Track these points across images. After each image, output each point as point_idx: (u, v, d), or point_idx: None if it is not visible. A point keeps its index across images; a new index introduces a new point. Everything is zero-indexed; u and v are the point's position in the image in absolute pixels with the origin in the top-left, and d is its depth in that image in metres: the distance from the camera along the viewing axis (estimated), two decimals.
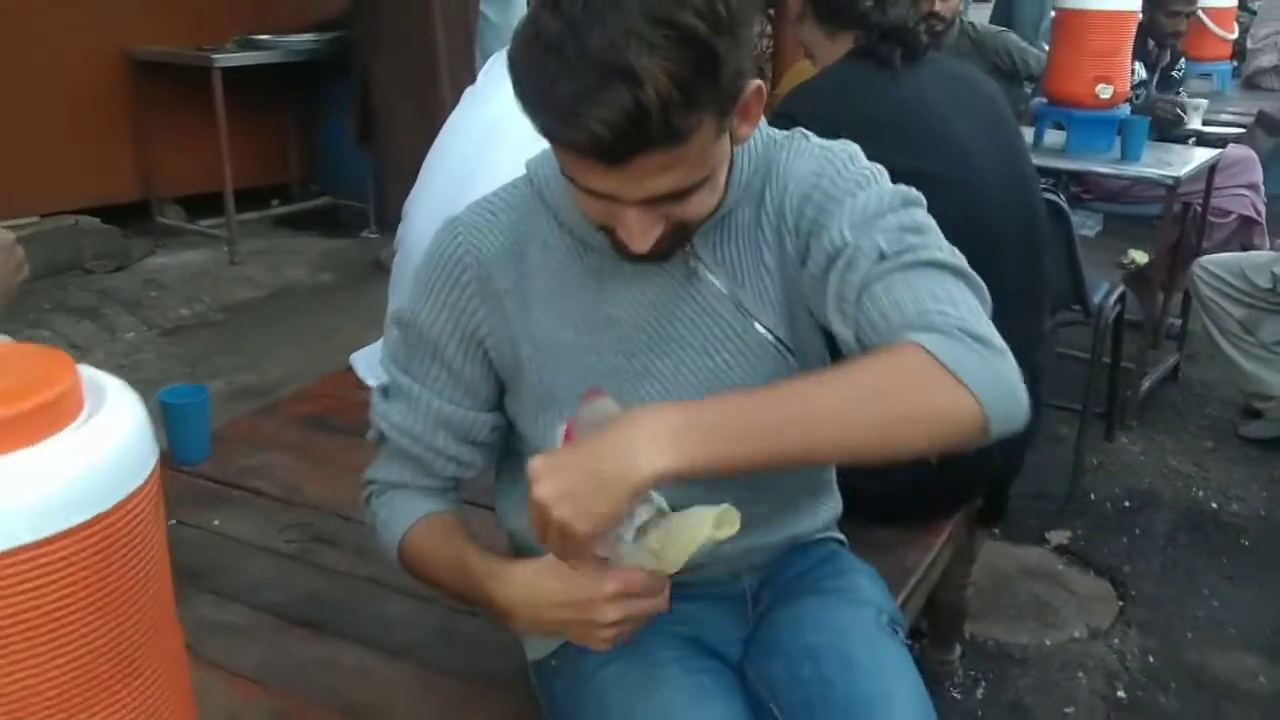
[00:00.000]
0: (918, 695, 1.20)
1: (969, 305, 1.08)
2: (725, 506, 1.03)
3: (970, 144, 1.94)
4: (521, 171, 1.31)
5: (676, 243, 1.17)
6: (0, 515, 0.84)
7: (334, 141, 5.40)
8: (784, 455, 1.02)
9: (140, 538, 0.96)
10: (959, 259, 1.13)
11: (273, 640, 1.61)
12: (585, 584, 1.08)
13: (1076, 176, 4.20)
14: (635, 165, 1.02)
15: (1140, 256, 4.30)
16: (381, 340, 2.53)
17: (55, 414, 0.91)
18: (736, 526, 1.02)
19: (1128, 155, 3.55)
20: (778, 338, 1.25)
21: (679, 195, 1.08)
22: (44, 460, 0.88)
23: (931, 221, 1.18)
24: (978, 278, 1.13)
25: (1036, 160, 3.59)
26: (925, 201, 1.20)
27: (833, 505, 1.47)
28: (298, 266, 4.98)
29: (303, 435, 2.25)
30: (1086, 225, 5.15)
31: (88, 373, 1.00)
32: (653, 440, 0.97)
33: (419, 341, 1.31)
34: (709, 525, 1.02)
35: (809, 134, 1.28)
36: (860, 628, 1.27)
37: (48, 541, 0.87)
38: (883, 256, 1.11)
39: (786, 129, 1.28)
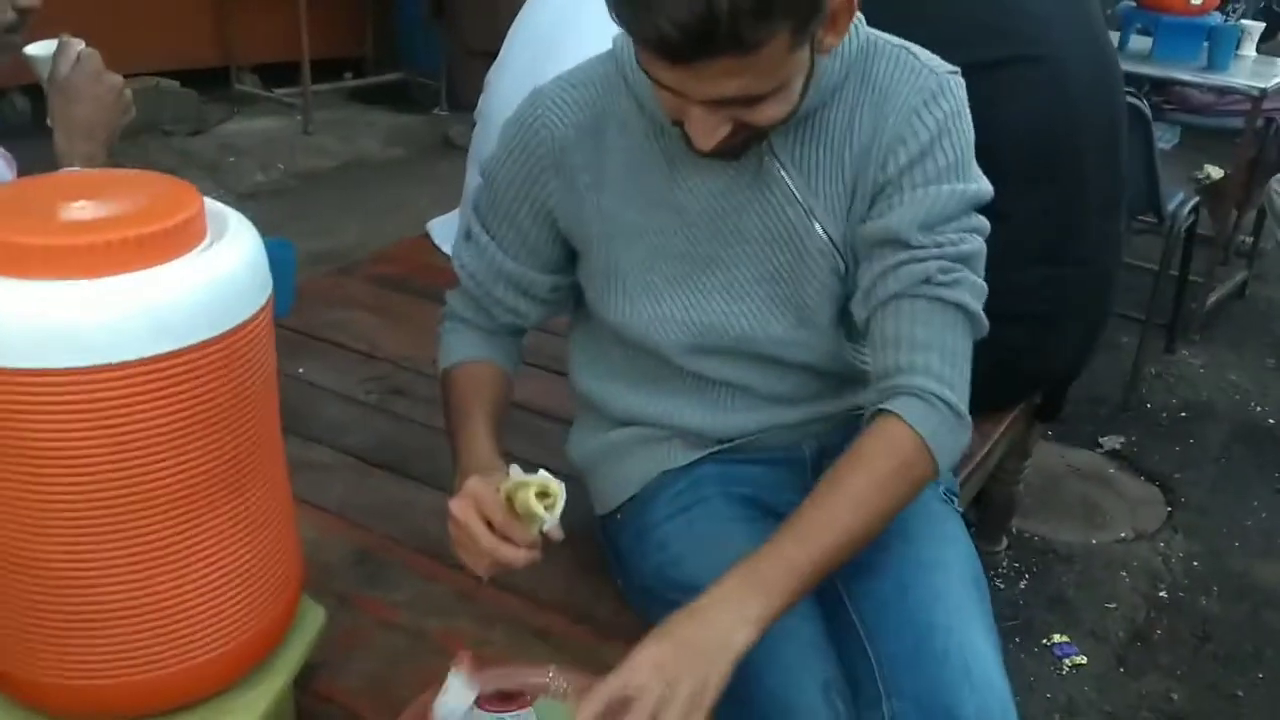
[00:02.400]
0: (971, 561, 1.26)
1: (964, 364, 1.21)
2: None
3: (1054, 31, 1.87)
4: (605, 43, 1.32)
5: (745, 144, 1.18)
6: (130, 328, 0.92)
7: (410, 18, 5.40)
8: (823, 579, 1.13)
9: (257, 358, 1.04)
10: (979, 297, 1.22)
11: (354, 479, 1.70)
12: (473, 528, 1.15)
13: (1159, 86, 4.12)
14: (702, 67, 1.03)
15: (1215, 172, 4.22)
16: (458, 210, 2.59)
17: (183, 237, 0.98)
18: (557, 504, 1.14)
19: (1214, 64, 3.48)
20: (837, 248, 1.26)
21: (747, 101, 1.09)
22: (173, 278, 0.95)
23: (980, 241, 1.22)
24: (984, 319, 1.22)
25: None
26: (992, 194, 1.23)
27: None
28: (369, 139, 5.03)
29: (381, 294, 2.32)
30: (1164, 138, 5.05)
31: (210, 204, 1.06)
32: (738, 621, 1.04)
33: (496, 198, 1.36)
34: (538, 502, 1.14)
35: (914, 49, 1.24)
36: (917, 499, 1.32)
37: (175, 354, 0.94)
38: (927, 281, 1.19)
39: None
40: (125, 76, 1.59)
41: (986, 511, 2.49)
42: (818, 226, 1.25)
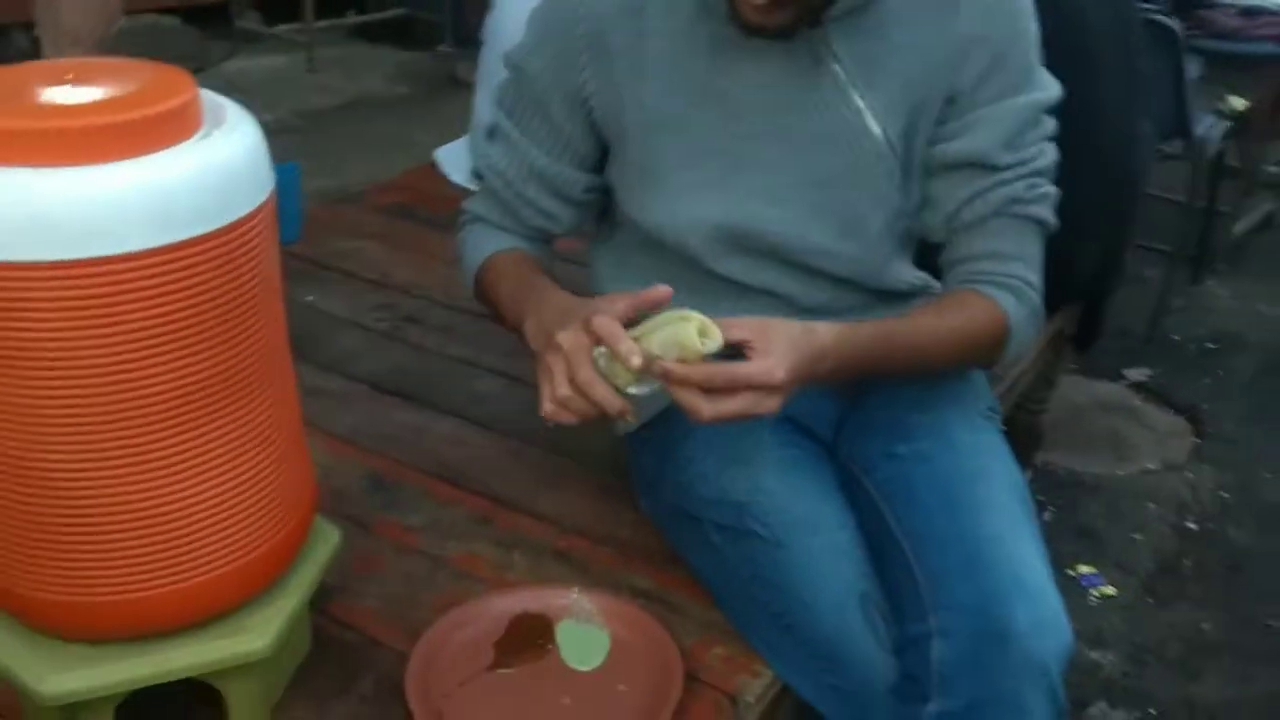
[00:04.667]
0: (1016, 475, 1.21)
1: (1041, 269, 1.26)
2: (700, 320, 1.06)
3: None
4: None
5: (798, 18, 1.10)
6: (122, 219, 0.85)
7: None
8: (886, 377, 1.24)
9: (259, 258, 0.97)
10: (1054, 205, 1.25)
11: (367, 406, 1.64)
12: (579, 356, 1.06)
13: (1182, 11, 4.00)
14: None
15: (1239, 103, 4.09)
16: (465, 139, 2.52)
17: (178, 123, 0.91)
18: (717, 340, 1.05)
19: None
20: (895, 151, 1.20)
21: None
22: (167, 167, 0.88)
23: (1054, 148, 1.24)
24: (1055, 222, 1.26)
25: None
26: (1061, 95, 1.22)
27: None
28: (374, 77, 4.94)
29: (388, 223, 2.26)
30: (1188, 70, 4.93)
31: (207, 93, 0.99)
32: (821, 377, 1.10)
33: (526, 89, 1.29)
34: (693, 335, 1.05)
35: None
36: (958, 408, 1.27)
37: (171, 249, 0.88)
38: (1014, 200, 1.21)
39: None
40: (125, 14, 1.52)
41: (1011, 442, 2.42)
42: (875, 127, 1.18)
